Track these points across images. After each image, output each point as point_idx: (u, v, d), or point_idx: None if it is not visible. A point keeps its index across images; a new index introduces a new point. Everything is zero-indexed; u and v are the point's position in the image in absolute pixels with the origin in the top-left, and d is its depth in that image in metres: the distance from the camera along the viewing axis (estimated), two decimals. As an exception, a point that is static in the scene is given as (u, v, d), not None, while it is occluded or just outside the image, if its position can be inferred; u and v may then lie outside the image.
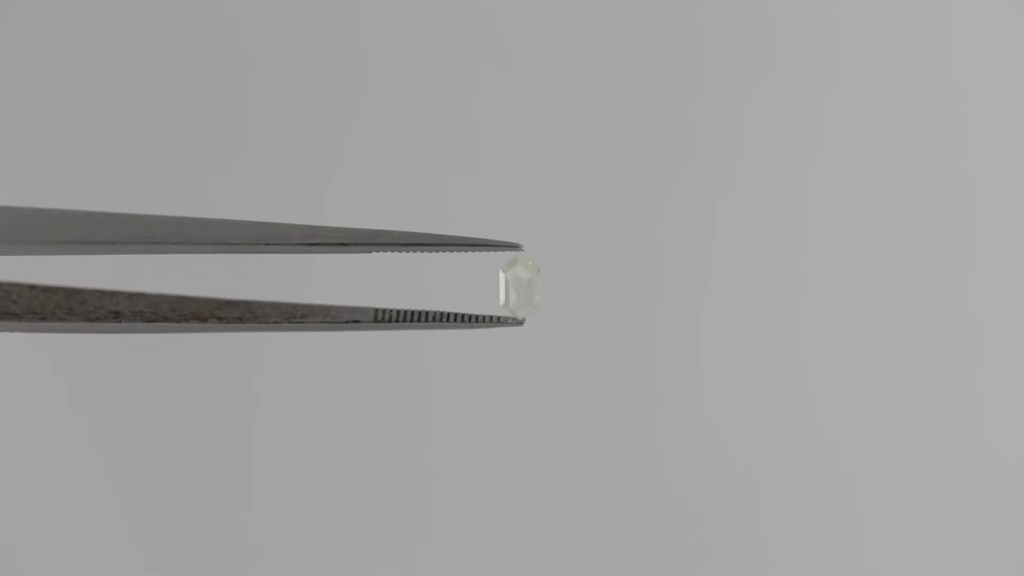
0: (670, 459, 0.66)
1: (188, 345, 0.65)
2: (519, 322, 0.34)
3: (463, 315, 0.34)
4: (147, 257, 0.33)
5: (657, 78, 0.68)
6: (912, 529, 0.66)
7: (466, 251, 0.33)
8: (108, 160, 0.67)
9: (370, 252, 0.33)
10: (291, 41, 0.68)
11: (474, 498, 0.66)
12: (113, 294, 0.35)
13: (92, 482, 0.65)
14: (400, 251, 0.33)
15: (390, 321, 0.34)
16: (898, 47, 0.69)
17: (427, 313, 0.34)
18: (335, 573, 0.66)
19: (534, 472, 0.66)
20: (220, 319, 0.35)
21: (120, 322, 0.35)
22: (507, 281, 0.34)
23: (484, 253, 0.33)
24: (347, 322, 0.35)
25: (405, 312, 0.34)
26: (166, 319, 0.35)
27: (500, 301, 0.34)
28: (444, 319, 0.34)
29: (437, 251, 0.33)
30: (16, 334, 0.36)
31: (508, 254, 0.34)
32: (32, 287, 0.35)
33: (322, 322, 0.35)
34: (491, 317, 0.34)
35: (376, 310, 0.35)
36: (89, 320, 0.35)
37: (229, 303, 0.35)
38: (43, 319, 0.35)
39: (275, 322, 0.35)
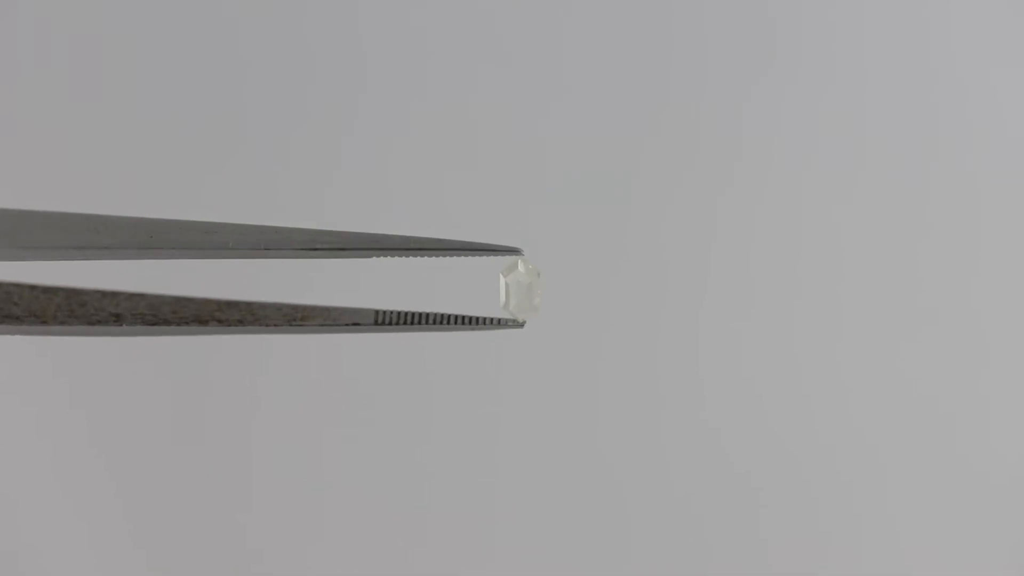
0: (670, 460, 0.66)
1: (188, 347, 0.65)
2: (520, 324, 0.34)
3: (464, 317, 0.34)
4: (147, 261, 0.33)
5: (657, 78, 0.68)
6: (912, 530, 0.66)
7: (466, 256, 0.33)
8: (108, 160, 0.66)
9: (370, 257, 0.33)
10: (291, 41, 0.68)
11: (475, 500, 0.66)
12: (114, 295, 0.35)
13: (93, 484, 0.65)
14: (401, 256, 0.33)
15: (391, 323, 0.34)
16: (898, 47, 0.69)
17: (428, 315, 0.34)
18: (335, 573, 0.66)
19: (535, 473, 0.66)
20: (221, 321, 0.35)
21: (121, 325, 0.35)
22: (507, 285, 0.34)
23: (484, 256, 0.33)
24: (348, 324, 0.35)
25: (406, 314, 0.34)
26: (167, 322, 0.35)
27: (500, 305, 0.34)
28: (445, 321, 0.34)
29: (437, 256, 0.33)
30: (17, 336, 0.36)
31: (508, 258, 0.34)
32: (33, 287, 0.35)
33: (323, 324, 0.35)
34: (492, 319, 0.34)
35: (377, 312, 0.35)
36: (90, 323, 0.35)
37: (230, 304, 0.35)
38: (44, 322, 0.35)
39: (276, 324, 0.35)
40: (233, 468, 0.65)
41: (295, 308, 0.35)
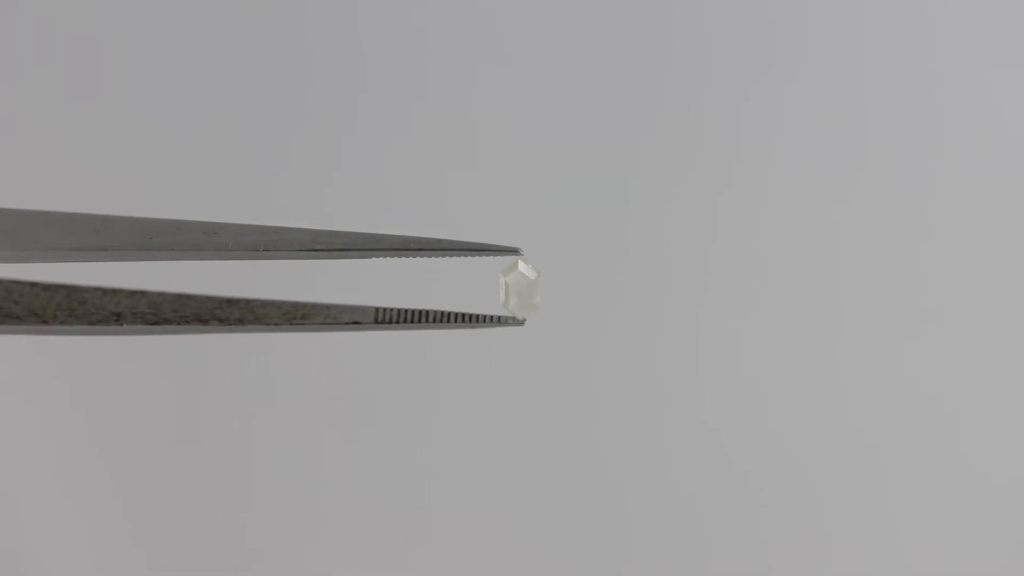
0: (670, 460, 0.66)
1: (189, 346, 0.65)
2: (520, 322, 0.34)
3: (464, 315, 0.34)
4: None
5: (657, 78, 0.68)
6: (912, 530, 0.66)
7: (465, 256, 0.33)
8: (108, 160, 0.66)
9: (370, 258, 0.33)
10: (291, 41, 0.68)
11: (474, 499, 0.66)
12: (114, 292, 0.35)
13: (93, 483, 0.65)
14: (400, 256, 0.33)
15: (391, 322, 0.34)
16: (898, 47, 0.69)
17: (428, 313, 0.34)
18: (335, 573, 0.66)
19: (534, 473, 0.66)
20: (221, 320, 0.35)
21: (121, 324, 0.35)
22: (507, 285, 0.34)
23: (484, 257, 0.33)
24: (348, 323, 0.35)
25: (406, 312, 0.34)
26: (167, 321, 0.35)
27: (500, 305, 0.34)
28: (445, 319, 0.34)
29: (437, 256, 0.33)
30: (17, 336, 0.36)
31: (508, 258, 0.34)
32: (33, 285, 0.35)
33: (323, 323, 0.35)
34: (492, 317, 0.34)
35: (377, 310, 0.35)
36: (90, 323, 0.35)
37: (230, 302, 0.35)
38: (44, 322, 0.35)
39: (276, 323, 0.35)
40: (233, 467, 0.65)
41: (295, 306, 0.35)
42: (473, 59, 0.68)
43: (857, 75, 0.68)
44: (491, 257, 0.33)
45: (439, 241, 0.33)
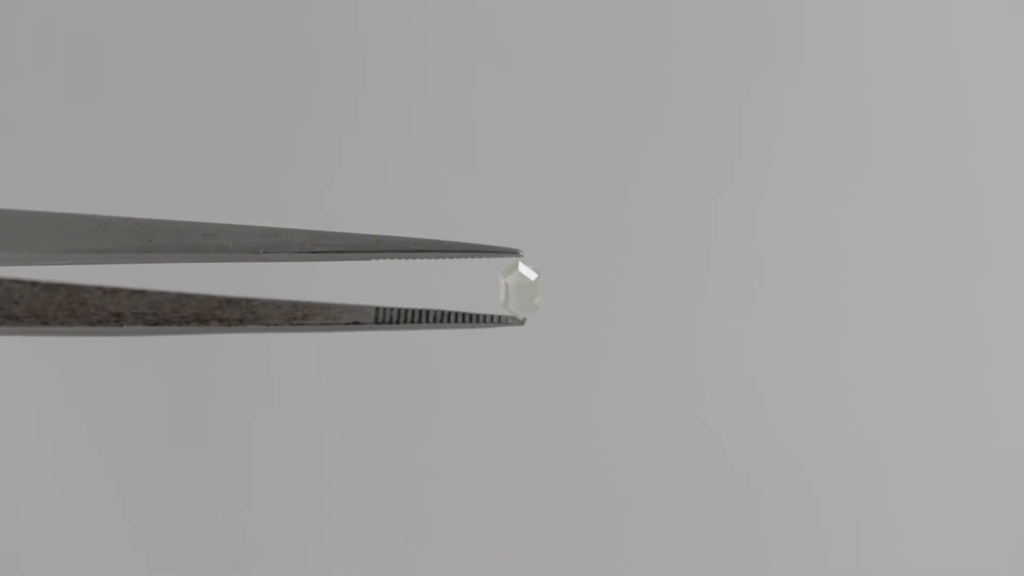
0: (670, 461, 0.66)
1: (189, 346, 0.65)
2: (520, 321, 0.34)
3: (464, 315, 0.34)
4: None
5: (657, 78, 0.68)
6: (912, 530, 0.66)
7: (465, 257, 0.33)
8: (108, 160, 0.66)
9: (370, 260, 0.33)
10: (291, 41, 0.68)
11: (474, 499, 0.66)
12: (115, 291, 0.35)
13: (93, 484, 0.65)
14: (400, 258, 0.33)
15: (391, 322, 0.34)
16: (898, 47, 0.69)
17: (428, 312, 0.34)
18: (335, 573, 0.66)
19: (534, 473, 0.66)
20: (221, 320, 0.35)
21: (121, 325, 0.35)
22: (507, 286, 0.34)
23: (484, 258, 0.33)
24: (348, 323, 0.35)
25: (406, 312, 0.34)
26: (167, 321, 0.35)
27: (500, 305, 0.34)
28: (445, 319, 0.34)
29: (436, 257, 0.33)
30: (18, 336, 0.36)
31: (507, 259, 0.34)
32: (34, 284, 0.35)
33: (323, 323, 0.35)
34: (492, 317, 0.34)
35: (377, 309, 0.35)
36: (91, 324, 0.35)
37: (230, 301, 0.35)
38: (45, 323, 0.35)
39: (276, 323, 0.35)
40: (233, 468, 0.65)
41: (295, 305, 0.35)
42: (473, 59, 0.68)
43: (857, 75, 0.68)
44: (491, 259, 0.33)
45: (439, 242, 0.33)
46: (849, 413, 0.67)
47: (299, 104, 0.68)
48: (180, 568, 0.65)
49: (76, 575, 0.64)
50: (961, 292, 0.67)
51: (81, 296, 0.35)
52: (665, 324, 0.67)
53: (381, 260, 0.33)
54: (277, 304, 0.35)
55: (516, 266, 0.34)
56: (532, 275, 0.34)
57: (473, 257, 0.33)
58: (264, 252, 0.32)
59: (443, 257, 0.33)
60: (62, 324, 0.35)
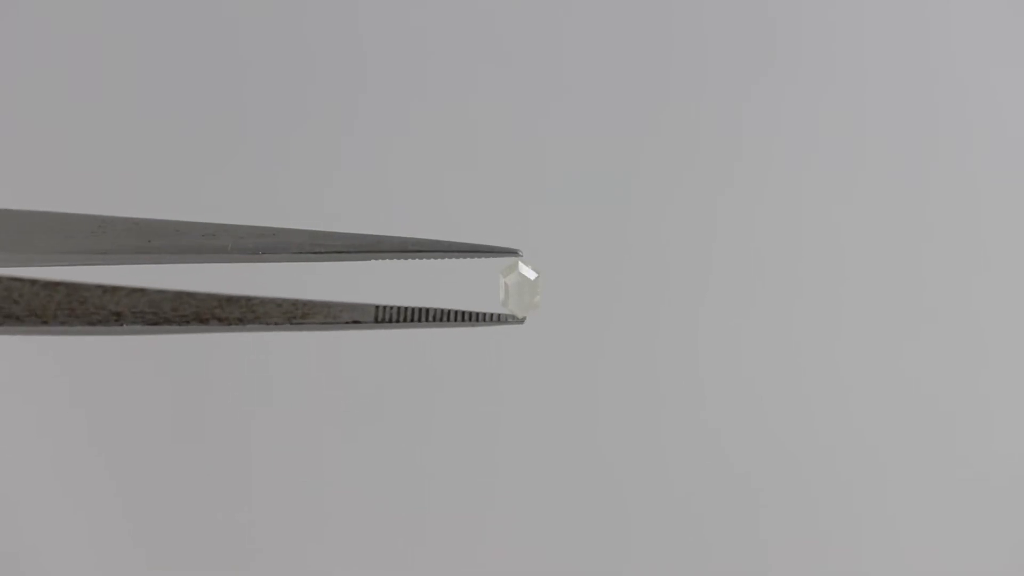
0: (670, 460, 0.66)
1: (188, 345, 0.65)
2: (520, 320, 0.34)
3: (464, 313, 0.34)
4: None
5: (657, 78, 0.68)
6: (912, 530, 0.66)
7: (465, 257, 0.33)
8: (108, 160, 0.66)
9: (369, 260, 0.33)
10: (291, 41, 0.68)
11: (474, 498, 0.66)
12: (114, 290, 0.35)
13: (93, 483, 0.65)
14: (399, 258, 0.33)
15: (391, 320, 0.34)
16: (898, 47, 0.69)
17: (428, 311, 0.34)
18: (335, 573, 0.66)
19: (534, 473, 0.66)
20: (221, 319, 0.35)
21: (121, 324, 0.35)
22: (506, 285, 0.34)
23: (483, 258, 0.33)
24: (348, 322, 0.35)
25: (406, 310, 0.34)
26: (167, 320, 0.35)
27: (500, 305, 0.35)
28: (445, 318, 0.34)
29: (436, 257, 0.33)
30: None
31: (507, 259, 0.34)
32: (33, 282, 0.35)
33: (323, 322, 0.35)
34: (492, 315, 0.34)
35: (377, 308, 0.35)
36: (90, 323, 0.35)
37: (230, 300, 0.35)
38: (45, 322, 0.35)
39: (276, 322, 0.35)
40: (233, 467, 0.65)
41: (295, 304, 0.35)
42: (473, 59, 0.68)
43: (857, 75, 0.68)
44: (491, 259, 0.33)
45: (438, 242, 0.33)
46: (849, 413, 0.67)
47: (299, 104, 0.68)
48: (180, 566, 0.65)
49: (76, 574, 0.64)
50: (961, 292, 0.67)
51: (81, 295, 0.35)
52: (665, 324, 0.67)
53: (381, 260, 0.33)
54: (277, 303, 0.35)
55: (516, 266, 0.34)
56: (532, 274, 0.34)
57: (473, 257, 0.33)
58: (263, 253, 0.32)
59: (443, 257, 0.33)
60: (62, 324, 0.35)
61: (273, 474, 0.66)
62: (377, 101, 0.68)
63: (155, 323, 0.35)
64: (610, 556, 0.66)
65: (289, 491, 0.66)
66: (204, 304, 0.35)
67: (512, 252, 0.33)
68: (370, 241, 0.33)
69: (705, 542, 0.66)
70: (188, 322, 0.35)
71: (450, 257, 0.33)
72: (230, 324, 0.35)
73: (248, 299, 0.35)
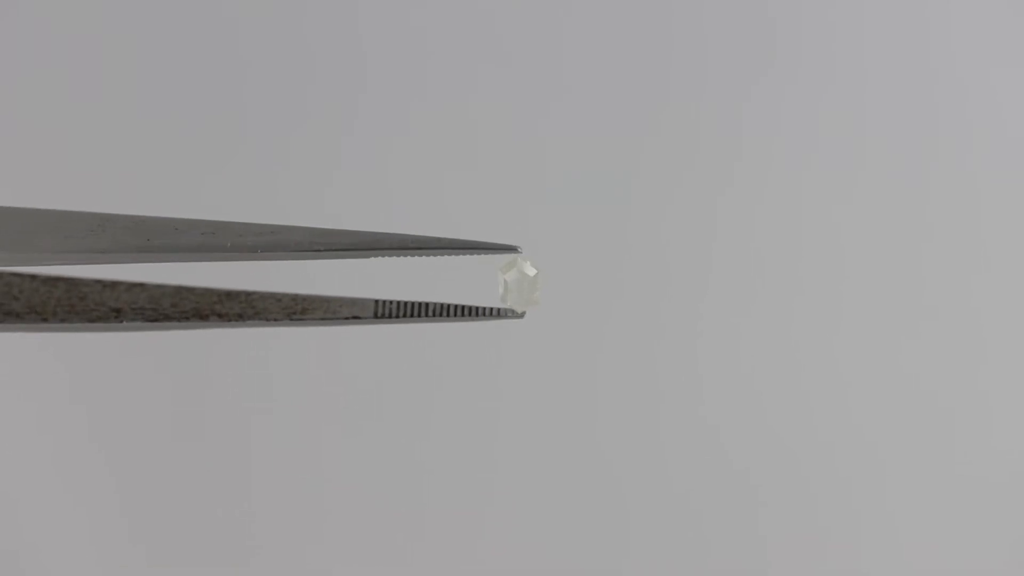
0: (669, 458, 0.66)
1: (188, 341, 0.65)
2: (519, 315, 0.34)
3: (463, 307, 0.34)
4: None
5: (657, 78, 0.68)
6: (912, 529, 0.66)
7: (464, 254, 0.33)
8: (108, 160, 0.67)
9: (369, 258, 0.33)
10: (291, 41, 0.68)
11: (474, 496, 0.66)
12: (114, 285, 0.35)
13: (93, 480, 0.65)
14: (399, 256, 0.33)
15: (391, 315, 0.34)
16: (898, 47, 0.69)
17: (427, 306, 0.34)
18: (335, 571, 0.66)
19: (533, 471, 0.66)
20: (220, 315, 0.35)
21: (121, 321, 0.35)
22: (505, 283, 0.34)
23: (483, 255, 0.33)
24: (348, 317, 0.35)
25: (406, 305, 0.34)
26: (167, 317, 0.35)
27: (499, 302, 0.35)
28: (444, 312, 0.34)
29: (436, 255, 0.33)
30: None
31: (506, 256, 0.34)
32: (33, 278, 0.35)
33: (323, 317, 0.35)
34: (491, 310, 0.34)
35: (376, 303, 0.35)
36: (90, 320, 0.35)
37: (229, 295, 0.35)
38: (44, 319, 0.35)
39: (275, 318, 0.35)
40: (233, 463, 0.65)
41: (295, 299, 0.35)
42: (473, 59, 0.68)
43: (857, 75, 0.69)
44: (490, 256, 0.33)
45: (438, 240, 0.33)
46: (849, 410, 0.67)
47: (299, 104, 0.68)
48: (179, 564, 0.65)
49: (76, 571, 0.64)
50: (961, 291, 0.67)
51: (80, 291, 0.35)
52: (665, 322, 0.67)
53: (380, 258, 0.33)
54: (276, 298, 0.35)
55: (515, 263, 0.34)
56: (531, 271, 0.34)
57: (472, 254, 0.33)
58: (263, 251, 0.32)
59: (442, 254, 0.33)
60: (62, 320, 0.35)
61: (273, 470, 0.66)
62: (377, 101, 0.68)
63: (155, 319, 0.35)
64: (609, 552, 0.66)
65: (289, 487, 0.66)
66: (204, 300, 0.35)
67: (511, 249, 0.33)
68: (370, 239, 0.33)
69: (704, 538, 0.66)
70: (188, 318, 0.35)
71: (449, 254, 0.33)
72: (230, 320, 0.35)
73: (248, 294, 0.35)
